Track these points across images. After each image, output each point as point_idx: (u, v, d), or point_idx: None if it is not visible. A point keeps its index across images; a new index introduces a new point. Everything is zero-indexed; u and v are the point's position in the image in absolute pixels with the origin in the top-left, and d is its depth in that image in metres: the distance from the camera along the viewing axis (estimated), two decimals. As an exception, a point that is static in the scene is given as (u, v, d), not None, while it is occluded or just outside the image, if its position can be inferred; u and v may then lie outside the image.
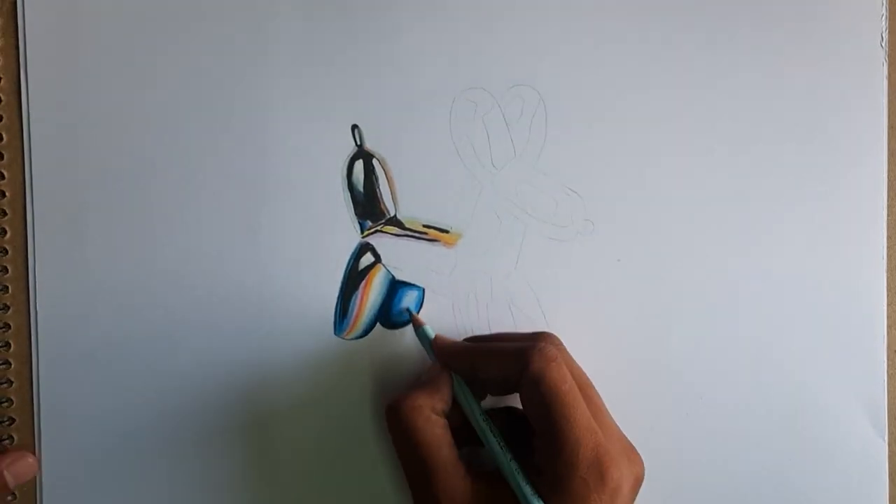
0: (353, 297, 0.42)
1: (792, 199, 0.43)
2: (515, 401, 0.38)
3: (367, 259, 0.42)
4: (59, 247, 0.40)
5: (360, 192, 0.42)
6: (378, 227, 0.42)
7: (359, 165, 0.42)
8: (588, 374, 0.38)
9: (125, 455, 0.41)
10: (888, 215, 0.43)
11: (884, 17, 0.42)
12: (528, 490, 0.35)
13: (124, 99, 0.41)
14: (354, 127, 0.41)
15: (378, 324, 0.42)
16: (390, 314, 0.42)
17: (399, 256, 0.42)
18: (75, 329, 0.40)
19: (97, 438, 0.41)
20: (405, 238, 0.42)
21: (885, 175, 0.43)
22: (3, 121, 0.40)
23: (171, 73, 0.41)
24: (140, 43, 0.41)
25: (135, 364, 0.41)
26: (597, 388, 0.38)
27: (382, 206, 0.42)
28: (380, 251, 0.42)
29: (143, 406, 0.41)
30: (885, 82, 0.43)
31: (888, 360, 0.43)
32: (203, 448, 0.41)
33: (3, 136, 0.40)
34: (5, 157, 0.40)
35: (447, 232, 0.42)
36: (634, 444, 0.37)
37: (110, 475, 0.41)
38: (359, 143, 0.42)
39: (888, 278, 0.43)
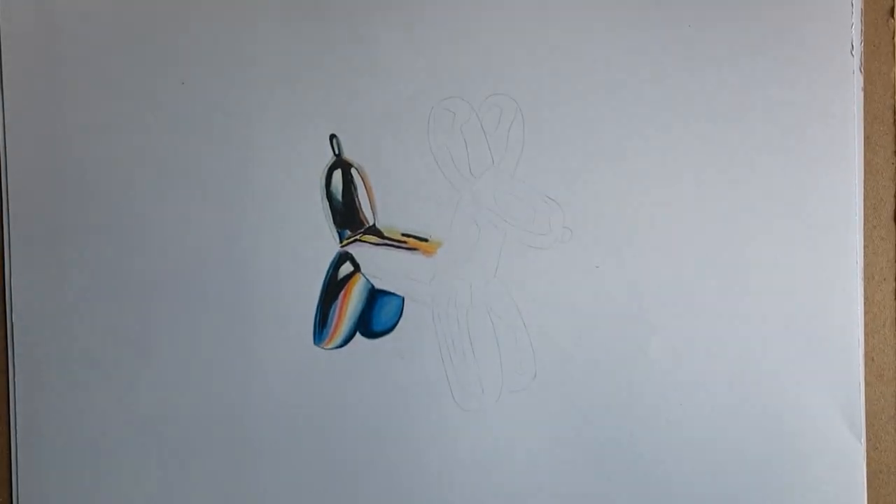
0: (333, 307, 0.42)
1: (769, 208, 0.43)
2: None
3: (347, 268, 0.42)
4: (35, 256, 0.40)
5: (338, 201, 0.42)
6: (357, 237, 0.42)
7: (337, 175, 0.42)
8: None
9: (102, 462, 0.41)
10: (864, 224, 0.44)
11: (854, 27, 0.43)
12: None
13: (101, 109, 0.41)
14: (333, 136, 0.42)
15: (358, 333, 0.42)
16: (370, 323, 0.42)
17: (378, 265, 0.42)
18: (51, 338, 0.40)
19: (74, 448, 0.41)
20: (384, 247, 0.42)
21: (860, 183, 0.44)
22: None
23: (148, 82, 0.41)
24: (118, 52, 0.41)
25: (112, 374, 0.41)
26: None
27: (361, 216, 0.42)
28: (359, 260, 0.42)
29: (120, 415, 0.41)
30: (861, 92, 0.43)
31: (865, 366, 0.43)
32: (182, 458, 0.41)
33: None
34: (-17, 167, 0.40)
35: (426, 241, 0.42)
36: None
37: (86, 484, 0.41)
38: (337, 152, 0.42)
39: (865, 287, 0.44)
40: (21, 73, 0.40)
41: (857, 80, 0.43)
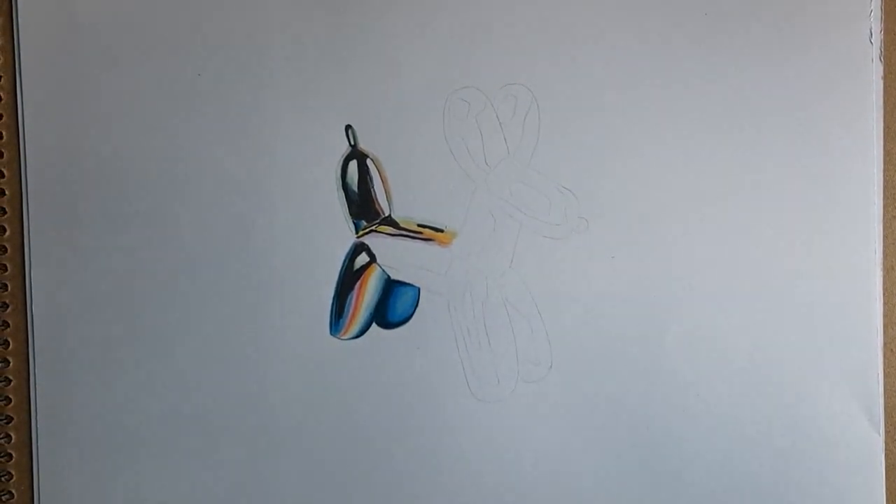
0: (349, 297, 0.42)
1: (786, 197, 0.43)
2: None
3: (362, 259, 0.42)
4: (54, 246, 0.41)
5: (354, 192, 0.42)
6: (373, 227, 0.42)
7: (353, 166, 0.42)
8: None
9: (121, 454, 0.41)
10: (883, 215, 0.43)
11: (872, 13, 0.43)
12: None
13: (118, 99, 0.41)
14: (348, 127, 0.42)
15: (374, 323, 0.42)
16: (386, 314, 0.42)
17: (394, 256, 0.42)
18: (70, 329, 0.41)
19: (93, 439, 0.41)
20: (400, 238, 0.42)
21: (878, 172, 0.43)
22: (3, 119, 0.40)
23: (165, 73, 0.41)
24: (134, 44, 0.41)
25: (130, 364, 0.41)
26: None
27: (377, 206, 0.42)
28: (375, 251, 0.42)
29: (139, 405, 0.41)
30: (880, 81, 0.43)
31: (883, 357, 0.43)
32: (199, 448, 0.41)
33: (3, 133, 0.40)
34: (5, 154, 0.40)
35: (442, 231, 0.42)
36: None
37: (106, 474, 0.41)
38: (353, 143, 0.42)
39: (884, 276, 0.43)
40: (38, 67, 0.41)
41: (877, 69, 0.43)
